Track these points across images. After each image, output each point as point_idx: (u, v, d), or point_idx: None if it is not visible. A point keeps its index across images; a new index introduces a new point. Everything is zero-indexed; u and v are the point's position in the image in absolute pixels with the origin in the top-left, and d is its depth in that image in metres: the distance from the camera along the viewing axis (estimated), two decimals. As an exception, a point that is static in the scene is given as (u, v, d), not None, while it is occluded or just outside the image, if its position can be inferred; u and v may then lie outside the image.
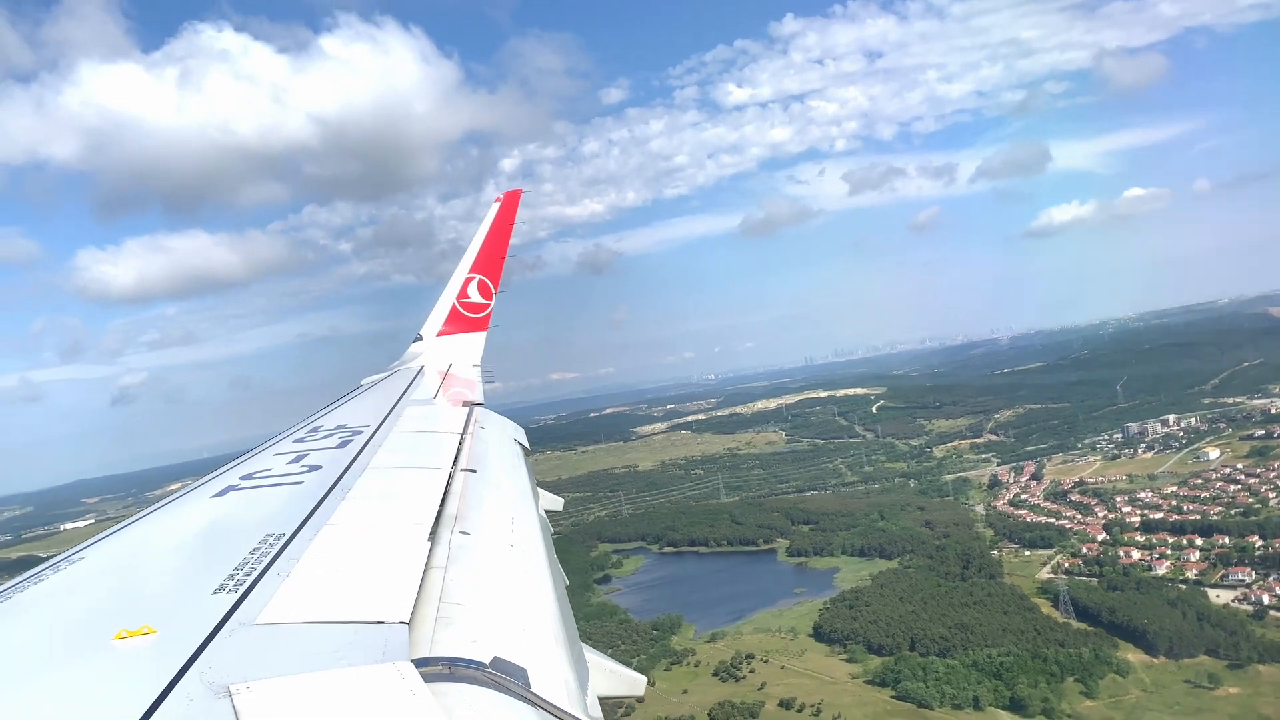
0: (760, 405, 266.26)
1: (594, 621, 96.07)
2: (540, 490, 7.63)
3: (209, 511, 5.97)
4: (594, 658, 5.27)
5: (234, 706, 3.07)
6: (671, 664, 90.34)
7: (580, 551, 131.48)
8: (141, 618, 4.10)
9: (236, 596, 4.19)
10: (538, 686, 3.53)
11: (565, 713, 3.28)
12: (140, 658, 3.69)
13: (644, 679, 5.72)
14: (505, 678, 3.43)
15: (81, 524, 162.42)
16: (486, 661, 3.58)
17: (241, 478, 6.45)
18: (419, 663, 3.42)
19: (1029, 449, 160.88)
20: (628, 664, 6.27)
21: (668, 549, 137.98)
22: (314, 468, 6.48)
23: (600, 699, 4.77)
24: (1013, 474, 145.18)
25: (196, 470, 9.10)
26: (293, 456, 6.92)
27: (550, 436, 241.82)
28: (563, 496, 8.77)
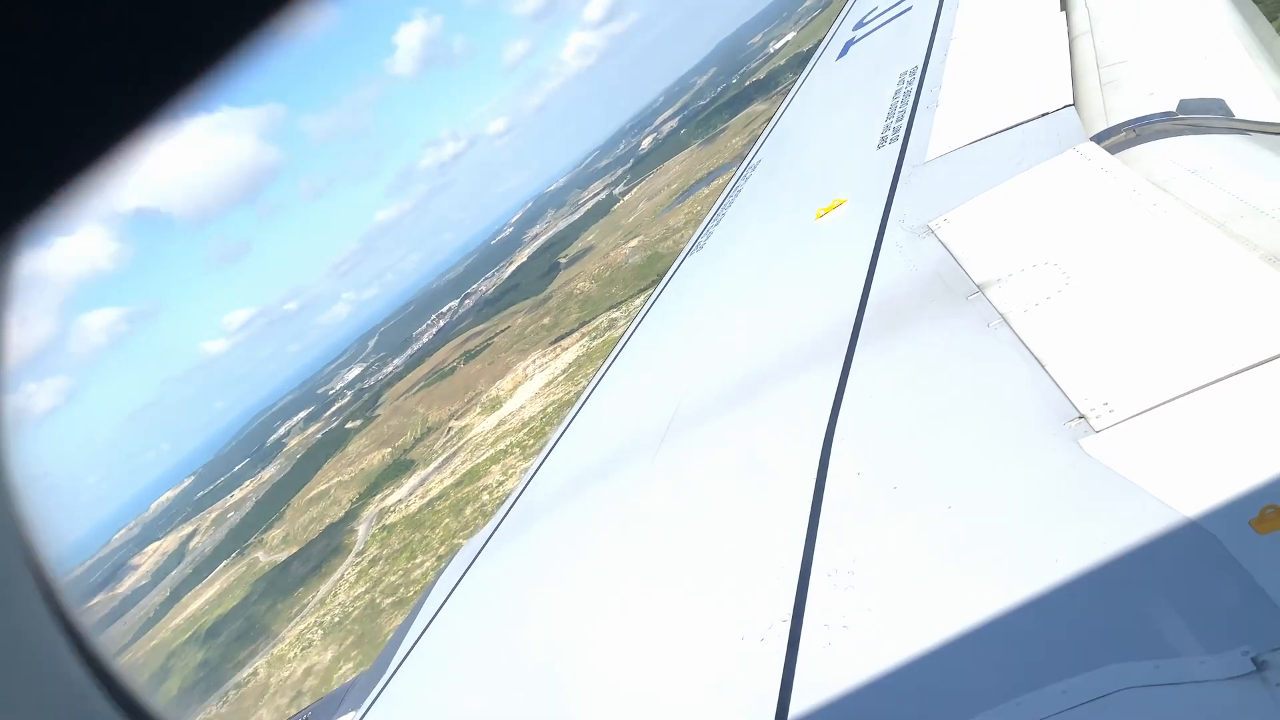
0: None
1: None
2: None
3: (839, 75, 5.85)
4: None
5: (939, 240, 3.06)
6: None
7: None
8: (829, 193, 4.16)
9: (899, 144, 4.09)
10: (1242, 109, 3.07)
11: None
12: (843, 224, 3.80)
13: None
14: (1200, 117, 3.01)
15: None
16: (1173, 109, 3.15)
17: (854, 28, 6.33)
18: (1099, 138, 3.13)
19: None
20: None
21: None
22: None
23: None
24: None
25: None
26: None
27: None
28: None
